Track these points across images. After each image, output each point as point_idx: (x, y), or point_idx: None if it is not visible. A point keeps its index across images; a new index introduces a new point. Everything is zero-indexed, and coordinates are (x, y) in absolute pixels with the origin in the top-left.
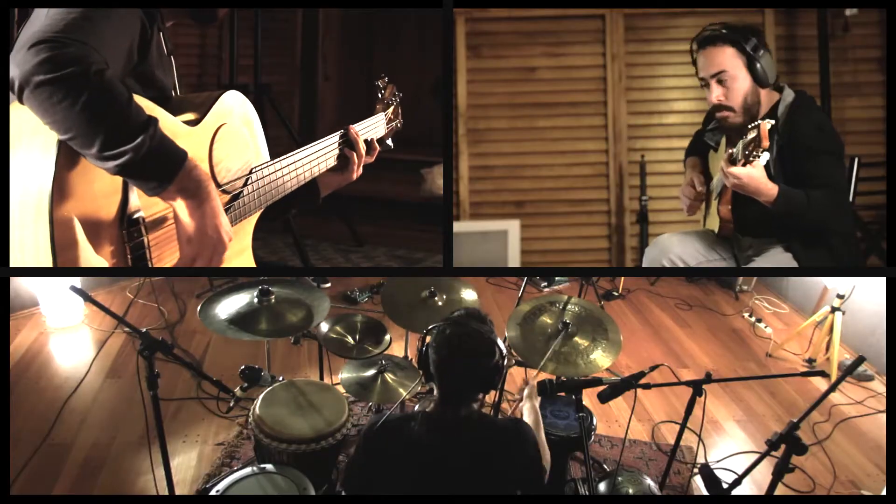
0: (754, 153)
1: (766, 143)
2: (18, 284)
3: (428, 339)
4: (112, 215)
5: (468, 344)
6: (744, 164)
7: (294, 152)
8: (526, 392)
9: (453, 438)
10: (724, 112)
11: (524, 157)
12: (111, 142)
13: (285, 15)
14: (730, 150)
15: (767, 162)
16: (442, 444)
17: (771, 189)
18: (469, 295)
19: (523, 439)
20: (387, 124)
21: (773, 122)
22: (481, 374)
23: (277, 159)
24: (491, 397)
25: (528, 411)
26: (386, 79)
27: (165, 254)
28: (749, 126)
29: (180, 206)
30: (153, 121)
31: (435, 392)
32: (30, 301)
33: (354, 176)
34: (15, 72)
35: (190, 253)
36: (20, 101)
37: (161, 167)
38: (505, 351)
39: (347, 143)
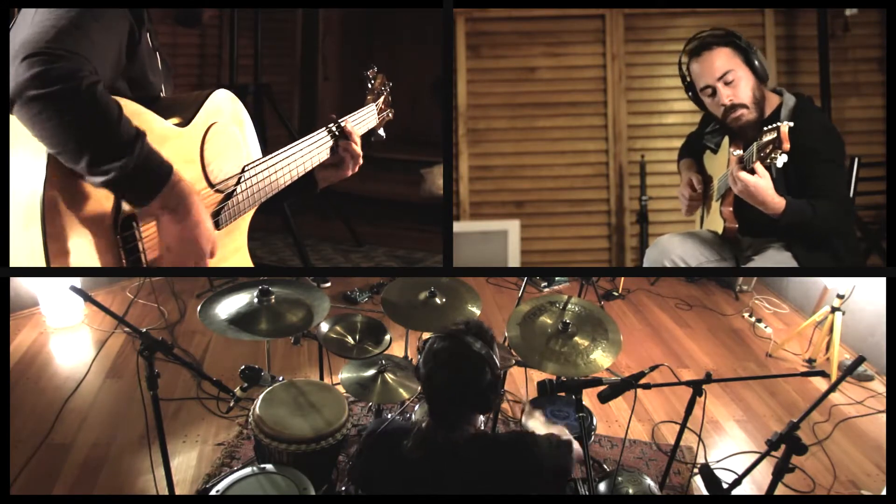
0: (772, 155)
1: (786, 146)
2: (18, 284)
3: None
4: (106, 219)
5: (455, 360)
6: (755, 169)
7: (285, 148)
8: (523, 419)
9: (448, 465)
10: (740, 111)
11: (524, 157)
12: (99, 158)
13: (285, 15)
14: (739, 153)
15: (773, 170)
16: (435, 470)
17: (777, 203)
18: (475, 309)
19: (523, 451)
20: (378, 115)
21: (791, 123)
22: (470, 392)
23: (269, 156)
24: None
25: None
26: (375, 69)
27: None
28: (765, 128)
29: (164, 221)
30: (141, 136)
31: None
32: (30, 301)
33: (350, 172)
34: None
35: (170, 261)
36: (10, 112)
37: (146, 183)
38: (499, 369)
39: (342, 136)
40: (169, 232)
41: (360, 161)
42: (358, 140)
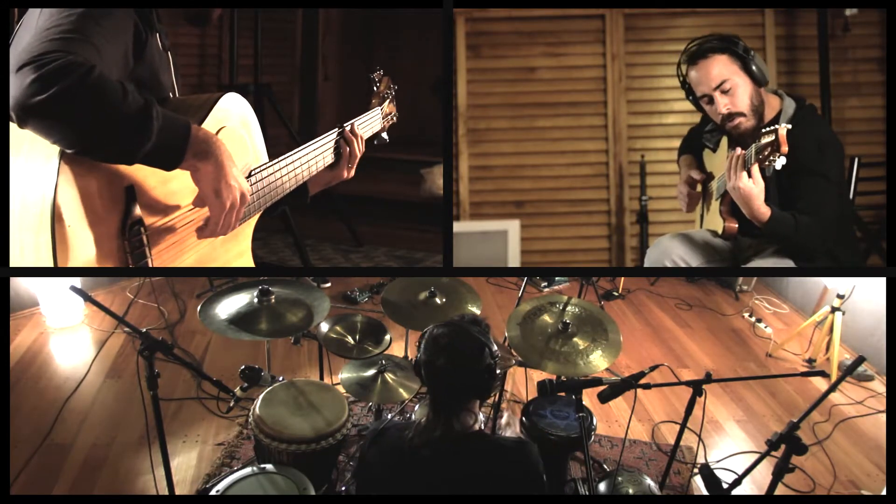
0: (770, 158)
1: (784, 149)
2: (18, 284)
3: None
4: (114, 225)
5: (454, 343)
6: (752, 172)
7: (291, 152)
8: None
9: (450, 457)
10: (737, 119)
11: (524, 157)
12: (122, 143)
13: (285, 15)
14: (736, 153)
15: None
16: (437, 462)
17: (764, 213)
18: (475, 309)
19: (525, 460)
20: (383, 118)
21: (789, 126)
22: (470, 376)
23: (275, 160)
24: (490, 399)
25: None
26: (381, 72)
27: (168, 262)
28: (764, 130)
29: (201, 168)
30: (151, 102)
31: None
32: (30, 301)
33: (346, 174)
34: (10, 101)
35: (219, 208)
36: (21, 127)
37: (173, 146)
38: (497, 353)
39: (343, 139)
40: (209, 178)
41: (355, 164)
42: (363, 144)
